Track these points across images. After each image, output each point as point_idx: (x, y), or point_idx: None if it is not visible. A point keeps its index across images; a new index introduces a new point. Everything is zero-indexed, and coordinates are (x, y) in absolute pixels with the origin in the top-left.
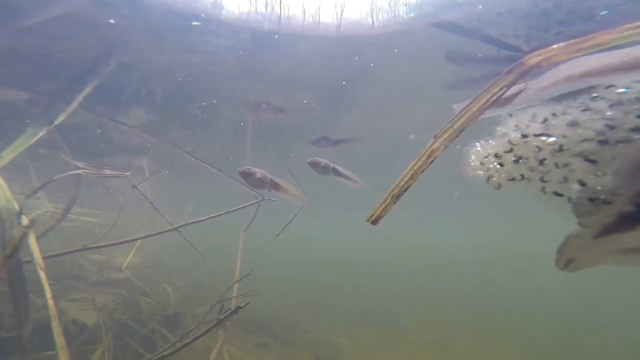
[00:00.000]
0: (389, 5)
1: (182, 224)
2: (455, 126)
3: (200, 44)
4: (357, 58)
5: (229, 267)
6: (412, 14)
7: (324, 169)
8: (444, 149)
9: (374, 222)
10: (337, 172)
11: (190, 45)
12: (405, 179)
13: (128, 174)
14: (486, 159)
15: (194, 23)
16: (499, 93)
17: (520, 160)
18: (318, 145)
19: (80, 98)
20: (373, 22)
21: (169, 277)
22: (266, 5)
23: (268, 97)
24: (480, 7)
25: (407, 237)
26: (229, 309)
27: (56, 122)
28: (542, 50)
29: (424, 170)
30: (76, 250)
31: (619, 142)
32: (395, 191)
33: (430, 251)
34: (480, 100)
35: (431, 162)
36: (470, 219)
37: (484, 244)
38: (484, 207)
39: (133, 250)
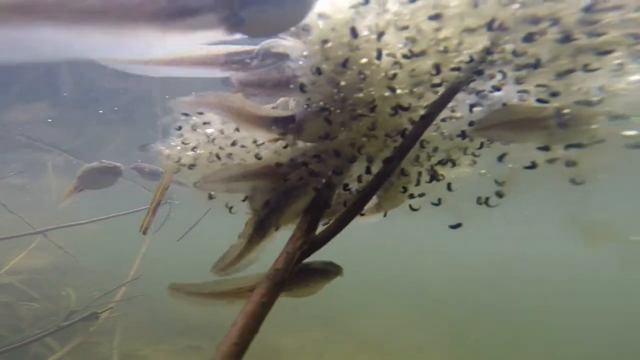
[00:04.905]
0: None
1: (52, 227)
2: None
3: None
4: None
5: (161, 270)
6: None
7: (151, 175)
8: None
9: (144, 233)
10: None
11: None
12: (157, 196)
13: None
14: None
15: None
16: None
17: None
18: (145, 150)
19: None
20: None
21: (81, 281)
22: None
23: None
24: None
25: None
26: (93, 313)
27: None
28: None
29: (167, 187)
30: None
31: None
32: (154, 205)
33: (379, 248)
34: None
35: (167, 186)
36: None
37: (432, 241)
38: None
39: (23, 253)
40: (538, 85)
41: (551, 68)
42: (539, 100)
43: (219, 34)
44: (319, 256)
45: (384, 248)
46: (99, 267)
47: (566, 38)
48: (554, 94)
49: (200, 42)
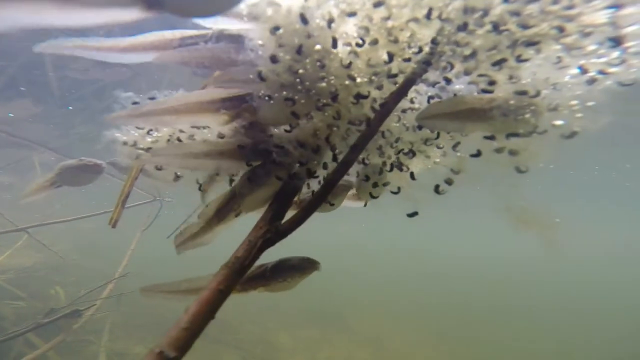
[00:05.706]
0: None
1: (35, 224)
2: None
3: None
4: None
5: (156, 267)
6: None
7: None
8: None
9: (113, 226)
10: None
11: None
12: (126, 188)
13: None
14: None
15: None
16: None
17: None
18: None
19: None
20: None
21: (73, 279)
22: None
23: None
24: None
25: (353, 234)
26: (76, 311)
27: None
28: None
29: (136, 178)
30: None
31: None
32: (122, 197)
33: (375, 246)
34: None
35: (136, 177)
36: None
37: (428, 239)
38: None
39: (9, 251)
40: (480, 76)
41: (490, 58)
42: (484, 91)
43: (135, 13)
44: (320, 256)
45: (383, 247)
46: (92, 265)
47: (495, 28)
48: (492, 83)
49: (115, 20)
